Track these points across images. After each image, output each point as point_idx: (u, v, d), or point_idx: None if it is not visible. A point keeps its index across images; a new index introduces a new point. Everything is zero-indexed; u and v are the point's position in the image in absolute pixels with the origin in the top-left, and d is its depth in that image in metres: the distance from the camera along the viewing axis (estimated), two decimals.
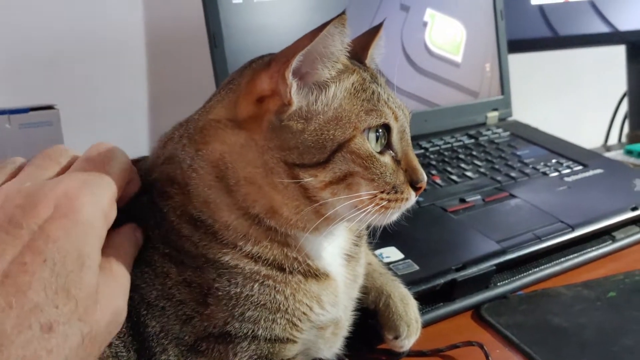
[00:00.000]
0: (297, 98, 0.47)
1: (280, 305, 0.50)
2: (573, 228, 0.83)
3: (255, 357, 0.50)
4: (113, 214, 0.45)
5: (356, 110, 0.48)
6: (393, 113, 0.51)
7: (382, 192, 0.49)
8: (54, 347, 0.36)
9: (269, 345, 0.50)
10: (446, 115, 1.17)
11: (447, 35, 1.18)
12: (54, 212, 0.40)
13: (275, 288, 0.50)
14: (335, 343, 0.58)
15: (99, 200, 0.43)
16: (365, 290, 0.62)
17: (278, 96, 0.47)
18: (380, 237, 0.67)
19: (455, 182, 0.96)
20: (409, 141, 0.53)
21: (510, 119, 1.27)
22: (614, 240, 0.88)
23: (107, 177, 0.45)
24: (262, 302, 0.49)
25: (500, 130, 1.20)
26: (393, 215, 0.51)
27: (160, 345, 0.48)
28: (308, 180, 0.47)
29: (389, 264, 0.71)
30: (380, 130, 0.49)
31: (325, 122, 0.47)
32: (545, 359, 0.62)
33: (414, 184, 0.51)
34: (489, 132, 1.18)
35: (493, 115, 1.23)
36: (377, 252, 0.72)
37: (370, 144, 0.49)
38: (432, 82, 1.15)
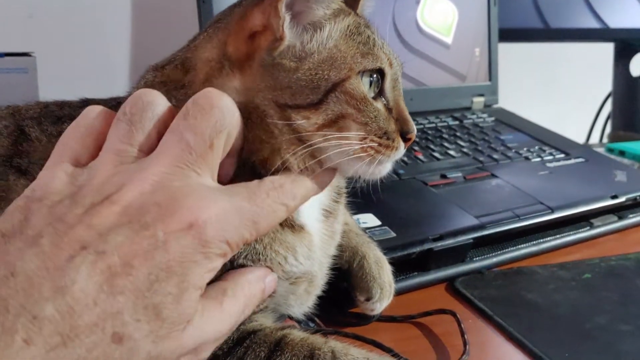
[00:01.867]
0: (289, 33, 0.45)
1: (260, 256, 0.48)
2: (553, 210, 0.82)
3: None
4: (236, 248, 0.39)
5: (351, 52, 0.47)
6: (388, 59, 0.49)
7: (373, 135, 0.47)
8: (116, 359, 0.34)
9: None
10: (432, 96, 1.16)
11: (439, 15, 1.16)
12: (183, 229, 0.36)
13: None
14: (306, 301, 0.56)
15: (228, 241, 0.38)
16: (340, 250, 0.60)
17: (270, 31, 0.45)
18: (357, 204, 0.66)
19: (438, 159, 0.95)
20: (401, 91, 0.51)
21: (495, 106, 1.26)
22: (591, 226, 0.87)
23: (256, 222, 0.40)
24: (243, 254, 0.47)
25: (485, 115, 1.19)
26: (383, 165, 0.49)
27: None
28: (300, 123, 0.45)
29: (365, 229, 0.69)
30: (375, 75, 0.48)
31: (320, 62, 0.46)
32: (518, 331, 0.60)
33: (404, 134, 0.49)
34: (473, 116, 1.17)
35: (479, 101, 1.23)
36: (354, 217, 0.71)
37: (364, 87, 0.47)
38: (421, 60, 1.14)
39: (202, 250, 0.36)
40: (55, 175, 0.39)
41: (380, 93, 0.49)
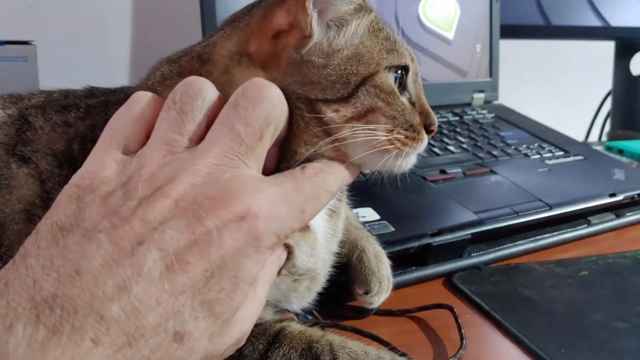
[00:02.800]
0: (317, 30, 0.45)
1: None
2: (551, 207, 0.82)
3: None
4: (284, 239, 0.40)
5: (377, 49, 0.47)
6: (410, 55, 0.50)
7: (400, 128, 0.47)
8: (177, 359, 0.34)
9: None
10: (433, 91, 1.15)
11: (440, 11, 1.16)
12: (236, 222, 0.35)
13: None
14: (307, 297, 0.56)
15: (277, 232, 0.38)
16: (340, 244, 0.60)
17: (297, 29, 0.45)
18: (357, 198, 0.66)
19: (437, 154, 0.95)
20: (421, 85, 0.52)
21: (495, 102, 1.26)
22: (589, 224, 0.88)
23: (304, 210, 0.40)
24: None
25: (485, 111, 1.19)
26: (409, 158, 0.49)
27: None
28: (330, 116, 0.45)
29: (364, 223, 0.69)
30: (400, 71, 0.48)
31: (348, 58, 0.46)
32: (515, 326, 0.61)
33: (427, 127, 0.50)
34: (473, 112, 1.17)
35: (479, 97, 1.23)
36: (354, 211, 0.71)
37: (391, 81, 0.48)
38: (422, 56, 1.14)
39: (254, 244, 0.36)
40: (104, 163, 0.38)
41: (403, 88, 0.49)
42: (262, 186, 0.38)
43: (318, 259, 0.53)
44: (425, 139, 0.50)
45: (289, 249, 0.47)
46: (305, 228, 0.51)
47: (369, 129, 0.46)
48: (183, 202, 0.35)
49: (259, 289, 0.40)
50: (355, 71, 0.46)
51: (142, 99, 0.42)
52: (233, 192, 0.36)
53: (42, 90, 0.59)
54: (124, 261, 0.33)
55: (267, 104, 0.40)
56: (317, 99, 0.45)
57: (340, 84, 0.45)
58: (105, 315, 0.31)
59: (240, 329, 0.38)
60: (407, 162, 0.50)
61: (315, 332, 0.49)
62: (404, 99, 0.48)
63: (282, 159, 0.46)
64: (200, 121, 0.39)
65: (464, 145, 1.00)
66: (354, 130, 0.46)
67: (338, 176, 0.45)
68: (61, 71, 0.91)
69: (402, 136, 0.47)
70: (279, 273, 0.48)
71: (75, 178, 0.38)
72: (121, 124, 0.40)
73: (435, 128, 0.51)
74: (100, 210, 0.35)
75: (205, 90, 0.40)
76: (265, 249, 0.37)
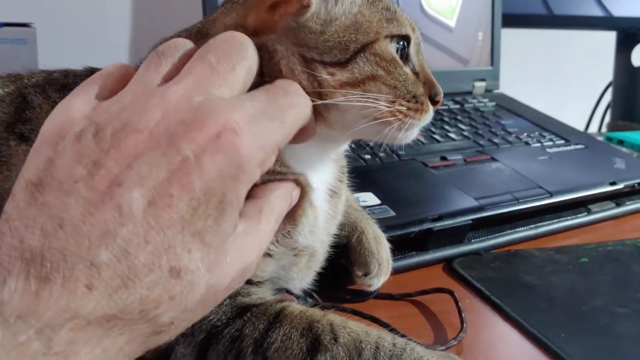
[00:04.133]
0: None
1: None
2: (551, 194, 0.82)
3: None
4: (271, 161, 0.39)
5: (376, 18, 0.47)
6: (410, 24, 0.50)
7: (402, 99, 0.47)
8: (177, 295, 0.33)
9: None
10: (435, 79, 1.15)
11: None
12: (213, 143, 0.34)
13: None
14: (307, 275, 0.56)
15: (263, 146, 0.37)
16: (340, 226, 0.60)
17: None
18: (357, 183, 0.66)
19: (438, 141, 0.95)
20: (424, 55, 0.52)
21: (496, 91, 1.26)
22: (589, 212, 0.88)
23: (283, 120, 0.39)
24: None
25: (486, 100, 1.19)
26: (412, 130, 0.49)
27: None
28: (325, 77, 0.45)
29: (364, 207, 0.69)
30: (401, 42, 0.48)
31: (346, 27, 0.46)
32: (515, 311, 0.61)
33: (432, 97, 0.50)
34: (474, 101, 1.17)
35: (480, 85, 1.22)
36: (354, 196, 0.71)
37: (392, 50, 0.47)
38: (423, 43, 1.13)
39: (238, 162, 0.35)
40: (71, 105, 0.37)
41: (406, 58, 0.49)
42: (235, 103, 0.36)
43: (317, 238, 0.53)
44: (431, 109, 0.50)
45: (302, 188, 0.48)
46: (310, 204, 0.51)
47: (368, 98, 0.46)
48: (156, 132, 0.34)
49: (263, 223, 0.39)
50: (354, 39, 0.45)
51: (116, 64, 0.41)
52: (206, 113, 0.35)
53: (42, 70, 0.59)
54: (105, 206, 0.32)
55: (238, 44, 0.39)
56: (313, 59, 0.45)
57: (338, 49, 0.45)
58: (95, 261, 0.31)
59: (240, 259, 0.37)
60: (409, 134, 0.49)
61: (316, 312, 0.49)
62: (406, 69, 0.48)
63: None
64: (177, 62, 0.39)
65: (465, 133, 1.00)
66: (348, 98, 0.45)
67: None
68: (61, 53, 0.91)
69: (405, 108, 0.47)
70: (283, 227, 0.48)
71: (42, 129, 0.36)
72: (92, 78, 0.40)
73: (440, 98, 0.50)
74: (73, 157, 0.34)
75: (184, 42, 0.40)
76: (252, 166, 0.36)
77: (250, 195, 0.39)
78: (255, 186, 0.39)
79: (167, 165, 0.33)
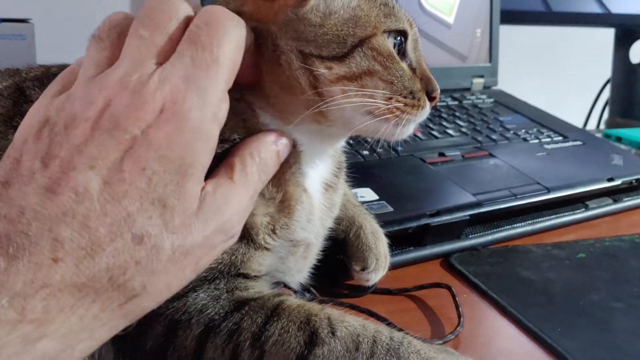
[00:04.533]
0: None
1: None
2: (549, 190, 0.82)
3: (227, 259, 0.48)
4: (224, 109, 0.40)
5: (374, 13, 0.47)
6: (408, 20, 0.50)
7: (399, 95, 0.47)
8: (142, 259, 0.36)
9: (243, 248, 0.48)
10: (432, 75, 1.15)
11: None
12: (158, 117, 0.36)
13: None
14: (303, 267, 0.57)
15: (207, 102, 0.38)
16: (337, 221, 0.60)
17: None
18: (356, 178, 0.66)
19: (436, 137, 0.95)
20: (421, 51, 0.52)
21: (494, 88, 1.26)
22: (587, 208, 0.88)
23: (215, 70, 0.39)
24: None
25: (484, 96, 1.19)
26: (408, 126, 0.49)
27: None
28: (322, 72, 0.45)
29: (362, 203, 0.69)
30: (399, 38, 0.49)
31: (345, 21, 0.46)
32: (512, 306, 0.61)
33: (429, 93, 0.50)
34: (473, 97, 1.17)
35: (478, 82, 1.22)
36: (352, 191, 0.71)
37: (390, 45, 0.48)
38: (422, 39, 1.13)
39: (188, 125, 0.37)
40: (35, 109, 0.39)
41: (403, 54, 0.49)
42: (165, 74, 0.37)
43: (312, 229, 0.54)
44: (428, 105, 0.50)
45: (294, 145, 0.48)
46: (304, 190, 0.52)
47: (365, 94, 0.46)
48: (102, 119, 0.36)
49: (237, 178, 0.41)
50: (352, 32, 0.46)
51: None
52: (143, 92, 0.36)
53: (41, 65, 0.59)
54: (61, 189, 0.35)
55: (165, 5, 0.40)
56: (311, 54, 0.45)
57: (336, 43, 0.45)
58: (57, 237, 0.34)
59: (213, 217, 0.39)
60: (406, 130, 0.50)
61: (314, 306, 0.49)
62: (404, 65, 0.48)
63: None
64: (117, 41, 0.40)
65: (463, 129, 1.00)
66: (346, 93, 0.46)
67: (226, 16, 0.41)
68: (58, 49, 0.91)
69: (401, 104, 0.47)
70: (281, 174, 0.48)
71: (15, 135, 0.39)
72: (60, 75, 0.42)
73: (437, 94, 0.51)
74: (33, 154, 0.36)
75: (118, 19, 0.41)
76: (205, 124, 0.38)
77: (227, 155, 0.42)
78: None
79: (117, 145, 0.36)
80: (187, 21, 0.40)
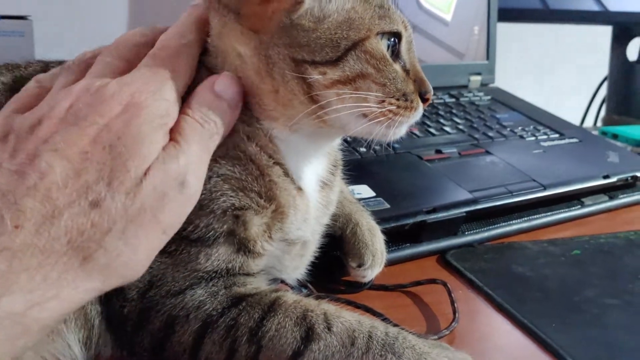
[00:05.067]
0: None
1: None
2: (545, 187, 0.83)
3: (224, 265, 0.48)
4: (174, 110, 0.44)
5: (369, 15, 0.48)
6: (402, 22, 0.50)
7: (392, 97, 0.47)
8: (98, 221, 0.40)
9: (241, 258, 0.49)
10: (429, 73, 1.13)
11: None
12: (118, 112, 0.42)
13: None
14: (300, 265, 0.57)
15: (162, 95, 0.44)
16: (334, 218, 0.61)
17: None
18: (352, 175, 0.67)
19: (433, 134, 0.95)
20: (415, 53, 0.52)
21: (492, 85, 1.26)
22: (582, 205, 0.88)
23: (168, 78, 0.45)
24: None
25: (481, 94, 1.19)
26: (400, 127, 0.50)
27: None
28: (316, 78, 0.46)
29: (359, 200, 0.70)
30: (392, 39, 0.49)
31: (339, 23, 0.46)
32: (507, 302, 0.61)
33: (422, 95, 0.50)
34: (470, 94, 1.17)
35: (476, 79, 1.23)
36: (349, 188, 0.71)
37: (383, 48, 0.48)
38: (420, 37, 1.14)
39: (140, 113, 0.42)
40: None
41: (397, 56, 0.49)
42: (124, 80, 0.44)
43: (308, 228, 0.54)
44: (420, 107, 0.50)
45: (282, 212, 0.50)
46: (299, 190, 0.52)
47: (359, 97, 0.46)
48: (67, 115, 0.42)
49: (181, 146, 0.43)
50: (345, 36, 0.46)
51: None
52: (104, 93, 0.43)
53: (39, 60, 0.59)
54: (27, 170, 0.39)
55: (129, 36, 0.48)
56: (303, 60, 0.46)
57: (329, 47, 0.46)
58: (21, 208, 0.38)
59: (164, 179, 0.42)
60: (399, 131, 0.50)
61: (310, 301, 0.49)
62: (397, 67, 0.49)
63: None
64: (83, 68, 0.47)
65: (460, 126, 1.00)
66: (341, 96, 0.46)
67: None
68: (57, 46, 0.91)
69: (394, 106, 0.48)
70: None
71: None
72: (17, 95, 0.48)
73: (430, 96, 0.51)
74: (1, 153, 0.41)
75: (84, 53, 0.50)
76: (160, 106, 0.43)
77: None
78: None
79: (81, 133, 0.41)
80: (147, 50, 0.47)
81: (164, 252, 0.46)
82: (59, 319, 0.41)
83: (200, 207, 0.47)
